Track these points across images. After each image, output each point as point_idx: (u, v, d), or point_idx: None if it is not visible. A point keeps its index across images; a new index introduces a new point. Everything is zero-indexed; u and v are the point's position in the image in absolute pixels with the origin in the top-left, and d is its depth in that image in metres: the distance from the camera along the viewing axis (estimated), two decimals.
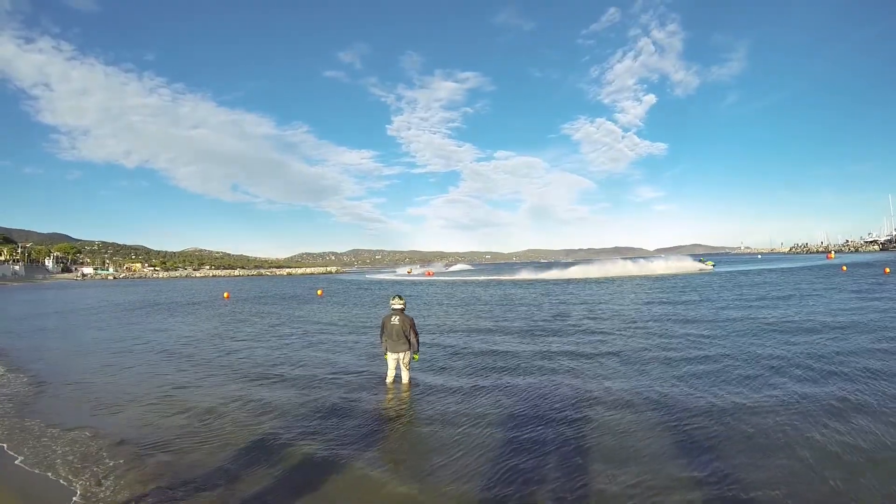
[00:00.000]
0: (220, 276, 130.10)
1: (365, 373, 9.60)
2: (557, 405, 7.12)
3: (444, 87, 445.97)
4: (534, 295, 29.28)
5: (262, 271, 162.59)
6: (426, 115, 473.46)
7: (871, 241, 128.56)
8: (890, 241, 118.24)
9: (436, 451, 5.55)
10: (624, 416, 6.54)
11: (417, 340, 8.29)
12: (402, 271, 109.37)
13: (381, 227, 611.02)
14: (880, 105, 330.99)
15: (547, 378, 8.76)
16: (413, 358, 8.37)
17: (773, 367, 8.77)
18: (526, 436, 5.88)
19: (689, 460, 5.01)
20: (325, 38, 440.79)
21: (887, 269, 36.80)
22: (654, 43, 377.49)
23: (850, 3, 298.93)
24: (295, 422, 6.77)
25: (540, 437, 5.82)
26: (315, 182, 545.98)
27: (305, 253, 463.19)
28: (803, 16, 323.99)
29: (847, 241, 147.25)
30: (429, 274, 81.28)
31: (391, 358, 8.30)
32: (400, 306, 8.26)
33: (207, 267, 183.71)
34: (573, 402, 7.27)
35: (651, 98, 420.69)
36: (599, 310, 19.61)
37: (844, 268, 45.00)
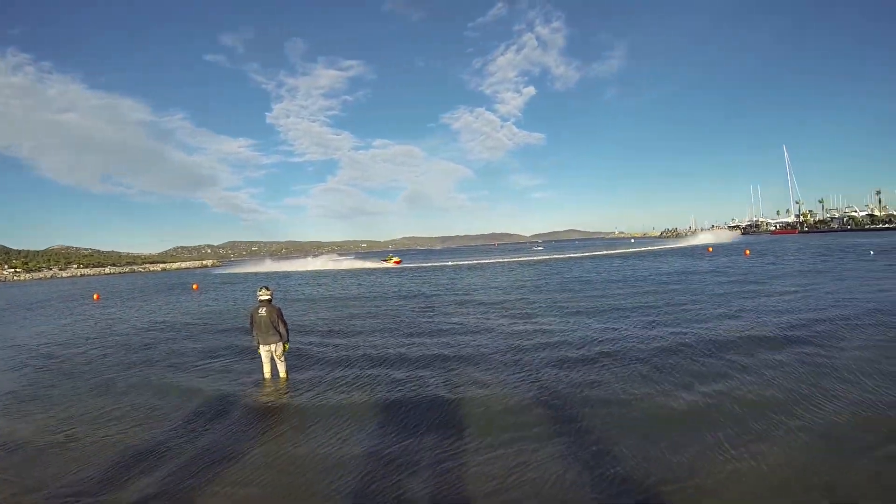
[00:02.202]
0: (89, 276, 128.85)
1: (241, 368, 10.15)
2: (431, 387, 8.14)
3: (327, 75, 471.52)
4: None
5: (136, 268, 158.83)
6: (306, 102, 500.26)
7: (734, 227, 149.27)
8: (750, 226, 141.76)
9: (315, 445, 5.96)
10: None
11: (287, 330, 8.95)
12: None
13: (257, 218, 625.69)
14: (746, 104, 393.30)
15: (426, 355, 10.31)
16: (284, 348, 8.94)
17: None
18: (395, 422, 6.57)
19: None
20: (206, 19, 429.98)
21: (748, 251, 42.58)
22: (538, 38, 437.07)
23: (722, 11, 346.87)
24: (167, 424, 7.00)
25: (411, 421, 6.59)
26: (192, 171, 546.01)
27: (180, 247, 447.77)
28: (679, 21, 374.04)
29: (713, 225, 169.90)
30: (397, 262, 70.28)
31: (264, 351, 8.87)
32: (267, 297, 8.86)
33: (75, 266, 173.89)
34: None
35: (531, 90, 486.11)
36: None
37: (710, 249, 51.77)
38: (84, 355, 12.61)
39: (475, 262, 58.97)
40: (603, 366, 8.55)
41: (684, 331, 10.98)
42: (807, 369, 7.68)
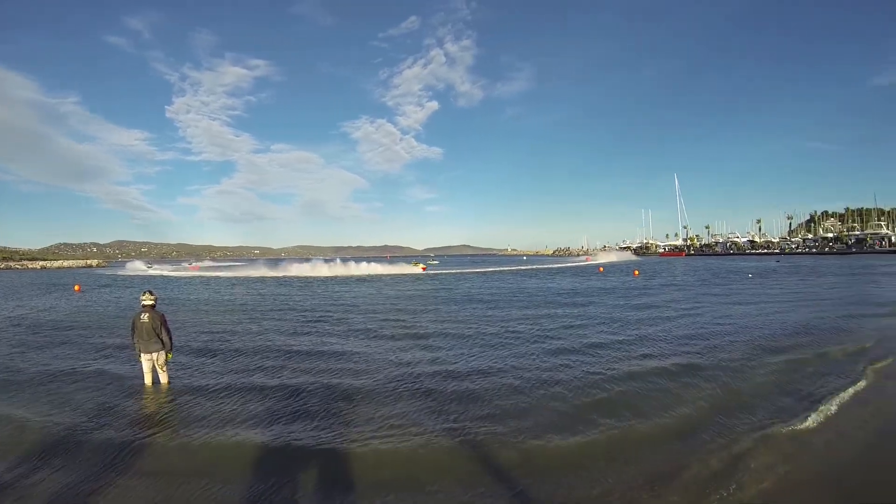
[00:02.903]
0: None
1: (121, 377, 9.84)
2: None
3: (233, 73, 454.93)
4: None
5: (12, 264, 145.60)
6: (208, 99, 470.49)
7: (625, 248, 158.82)
8: (640, 247, 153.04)
9: (201, 456, 5.99)
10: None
11: (170, 338, 8.91)
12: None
13: (149, 217, 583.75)
14: (642, 132, 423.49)
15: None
16: (167, 357, 8.90)
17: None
18: (273, 462, 6.04)
19: None
20: None
21: (637, 272, 45.37)
22: (447, 55, 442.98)
23: (626, 43, 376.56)
24: (31, 446, 6.38)
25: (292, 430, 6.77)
26: (81, 162, 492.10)
27: (64, 243, 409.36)
28: (585, 48, 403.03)
29: (605, 246, 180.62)
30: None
31: (145, 359, 8.78)
32: (150, 302, 8.81)
33: None
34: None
35: (434, 105, 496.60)
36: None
37: (602, 269, 54.78)
38: None
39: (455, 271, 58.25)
40: (489, 400, 8.06)
41: (574, 359, 10.77)
42: (697, 395, 7.88)
